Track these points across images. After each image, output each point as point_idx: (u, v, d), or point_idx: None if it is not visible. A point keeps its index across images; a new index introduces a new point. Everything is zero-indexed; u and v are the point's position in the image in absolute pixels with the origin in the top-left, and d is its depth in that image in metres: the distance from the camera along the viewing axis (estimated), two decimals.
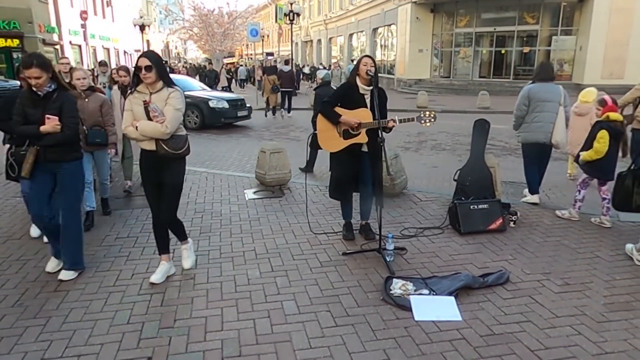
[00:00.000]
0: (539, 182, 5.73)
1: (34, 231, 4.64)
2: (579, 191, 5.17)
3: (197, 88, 14.60)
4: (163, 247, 3.83)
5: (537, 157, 5.64)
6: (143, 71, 3.37)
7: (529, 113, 5.50)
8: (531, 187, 5.75)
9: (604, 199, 5.01)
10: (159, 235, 3.80)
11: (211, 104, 13.02)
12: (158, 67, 3.42)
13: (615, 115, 4.81)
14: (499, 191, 5.54)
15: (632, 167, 4.20)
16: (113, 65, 33.36)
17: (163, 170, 3.58)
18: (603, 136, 4.71)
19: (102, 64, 12.34)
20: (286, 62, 19.47)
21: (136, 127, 3.45)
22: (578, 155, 5.09)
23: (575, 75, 22.43)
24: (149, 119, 3.43)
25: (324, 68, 27.48)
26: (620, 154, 4.96)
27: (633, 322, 3.18)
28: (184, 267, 3.95)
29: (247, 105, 14.12)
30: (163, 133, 3.40)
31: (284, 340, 2.97)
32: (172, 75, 19.13)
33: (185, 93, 15.00)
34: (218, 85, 22.79)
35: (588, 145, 4.91)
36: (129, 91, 3.55)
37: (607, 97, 4.99)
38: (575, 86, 18.15)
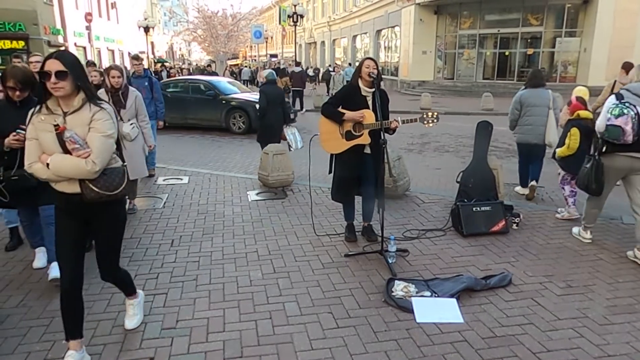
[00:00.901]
0: (537, 178, 6.22)
1: (37, 262, 4.03)
2: (563, 188, 5.37)
3: (241, 90, 14.01)
4: (73, 329, 2.69)
5: (528, 155, 6.20)
6: (53, 79, 2.36)
7: (521, 117, 6.01)
8: (521, 180, 6.41)
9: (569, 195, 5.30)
10: (68, 308, 2.66)
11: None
12: (75, 73, 2.44)
13: (585, 114, 5.04)
14: (501, 193, 5.52)
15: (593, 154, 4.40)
16: None
17: (93, 218, 2.66)
18: (574, 133, 4.95)
19: (90, 64, 8.94)
20: (297, 64, 21.14)
21: (47, 165, 2.43)
22: (554, 153, 5.29)
23: (580, 77, 22.35)
24: (65, 150, 2.44)
25: (328, 70, 27.46)
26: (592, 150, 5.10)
27: (635, 324, 3.17)
28: (126, 327, 3.07)
29: (293, 108, 13.66)
30: (90, 172, 2.43)
31: (286, 342, 2.98)
32: (214, 78, 16.69)
33: (231, 96, 13.21)
34: None
35: (562, 142, 5.17)
36: (36, 108, 2.54)
37: (572, 97, 5.30)
38: None
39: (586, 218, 4.59)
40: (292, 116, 13.12)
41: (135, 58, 7.62)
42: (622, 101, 3.96)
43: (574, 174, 5.05)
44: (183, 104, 12.85)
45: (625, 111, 3.85)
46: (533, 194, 6.12)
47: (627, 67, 6.44)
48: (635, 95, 3.96)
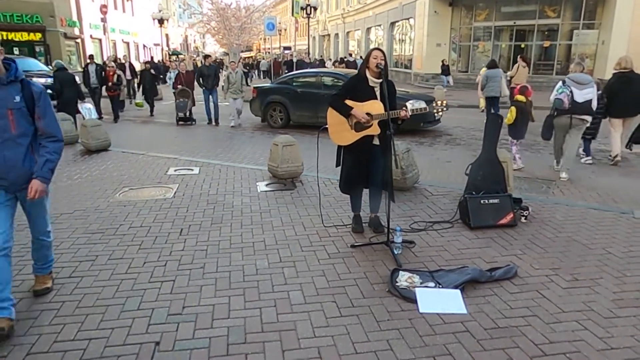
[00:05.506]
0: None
1: None
2: (511, 149, 7.61)
3: None
4: None
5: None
6: None
7: (487, 83, 11.30)
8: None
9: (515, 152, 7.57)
10: None
11: (409, 105, 11.13)
12: None
13: (519, 97, 7.37)
14: (511, 186, 5.48)
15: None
16: (133, 60, 33.61)
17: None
18: (512, 110, 7.26)
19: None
20: (350, 54, 28.74)
21: None
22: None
23: (597, 70, 21.92)
24: None
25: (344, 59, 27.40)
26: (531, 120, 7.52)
27: None
28: None
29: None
30: None
31: (289, 329, 3.02)
32: (348, 70, 15.20)
33: None
34: None
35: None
36: None
37: (517, 87, 7.85)
38: (599, 81, 17.73)
39: (555, 155, 7.32)
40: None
41: None
42: (565, 84, 6.53)
43: (516, 138, 7.50)
44: (315, 101, 11.38)
45: (564, 90, 6.51)
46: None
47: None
48: (573, 81, 6.54)
